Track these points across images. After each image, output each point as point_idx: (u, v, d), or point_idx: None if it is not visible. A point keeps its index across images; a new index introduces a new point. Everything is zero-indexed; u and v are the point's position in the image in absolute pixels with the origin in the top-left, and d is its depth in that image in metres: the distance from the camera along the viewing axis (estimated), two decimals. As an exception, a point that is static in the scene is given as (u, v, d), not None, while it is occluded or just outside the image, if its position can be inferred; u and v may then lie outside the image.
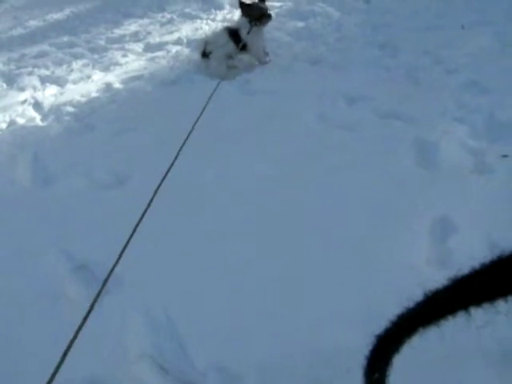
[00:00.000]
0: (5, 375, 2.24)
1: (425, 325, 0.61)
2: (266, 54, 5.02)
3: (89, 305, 2.50)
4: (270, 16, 4.85)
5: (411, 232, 2.57)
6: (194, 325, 2.27)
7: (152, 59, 5.64)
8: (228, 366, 2.07)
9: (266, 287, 2.36)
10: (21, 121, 4.65)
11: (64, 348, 2.10)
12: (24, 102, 5.10)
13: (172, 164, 2.66)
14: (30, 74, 5.92)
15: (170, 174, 3.01)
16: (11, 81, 5.82)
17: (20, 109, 4.92)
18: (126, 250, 2.59)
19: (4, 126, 4.62)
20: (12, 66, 6.38)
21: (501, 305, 0.52)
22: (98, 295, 2.07)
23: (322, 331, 2.12)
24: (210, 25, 6.61)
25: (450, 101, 3.75)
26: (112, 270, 2.22)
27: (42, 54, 6.63)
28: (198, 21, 6.87)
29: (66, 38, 7.10)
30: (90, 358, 2.22)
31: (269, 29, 6.05)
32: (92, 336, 2.27)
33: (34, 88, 5.43)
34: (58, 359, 2.04)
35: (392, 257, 2.42)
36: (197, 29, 6.53)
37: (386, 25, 5.69)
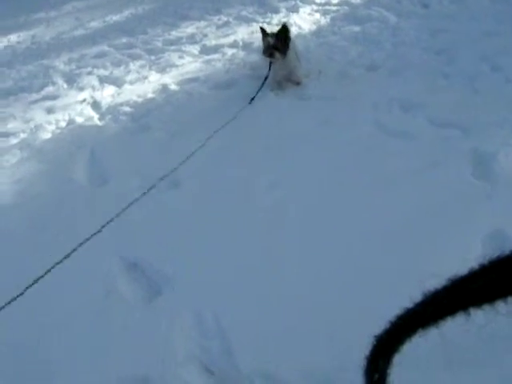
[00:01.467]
0: (61, 373, 2.30)
1: (424, 325, 0.61)
2: (297, 77, 4.72)
3: (141, 304, 2.56)
4: (271, 55, 4.33)
5: (465, 244, 2.50)
6: (243, 329, 2.27)
7: (208, 62, 5.68)
8: (275, 373, 2.07)
9: (318, 295, 2.34)
10: (79, 120, 4.77)
11: (118, 345, 2.16)
12: (83, 101, 5.23)
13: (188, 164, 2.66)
14: (90, 73, 6.08)
15: (225, 179, 3.03)
16: (71, 80, 5.99)
17: (79, 108, 5.06)
18: (179, 252, 2.63)
19: (63, 124, 4.75)
20: (72, 66, 6.56)
21: (501, 306, 0.52)
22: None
23: (369, 342, 2.08)
24: (266, 28, 6.61)
25: (509, 111, 3.63)
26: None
27: (101, 55, 6.79)
28: (254, 24, 6.87)
29: (124, 40, 7.24)
30: (140, 356, 2.26)
31: (325, 33, 6.03)
32: (142, 335, 2.33)
33: (93, 88, 5.57)
34: (109, 355, 2.10)
35: (443, 269, 2.34)
36: (253, 32, 6.53)
37: (443, 30, 5.54)
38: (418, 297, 0.62)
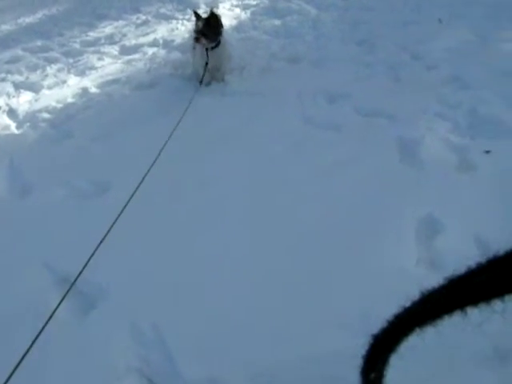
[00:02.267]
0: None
1: (421, 324, 0.61)
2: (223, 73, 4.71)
3: (73, 318, 2.45)
4: (196, 39, 4.32)
5: (398, 233, 2.55)
6: (182, 336, 2.21)
7: (128, 62, 5.55)
8: (219, 377, 2.03)
9: (258, 294, 2.32)
10: (-5, 129, 4.54)
11: (50, 359, 2.06)
12: (-2, 109, 4.98)
13: (148, 171, 2.60)
14: (3, 80, 5.79)
15: (151, 181, 2.95)
16: (-16, 88, 5.69)
17: (-6, 116, 4.81)
18: (111, 263, 2.54)
19: (-22, 134, 4.51)
20: (-16, 73, 6.24)
21: (497, 304, 0.52)
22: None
23: (314, 337, 2.09)
24: (186, 25, 6.53)
25: (431, 97, 3.75)
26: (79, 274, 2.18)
27: (15, 59, 6.49)
28: (174, 21, 6.79)
29: (39, 42, 6.96)
30: (78, 376, 2.16)
31: (245, 28, 6.03)
32: (79, 354, 2.23)
33: (8, 95, 5.30)
34: (43, 374, 2.00)
35: (381, 259, 2.40)
36: (173, 29, 6.45)
37: (363, 21, 5.68)
38: (415, 295, 0.62)
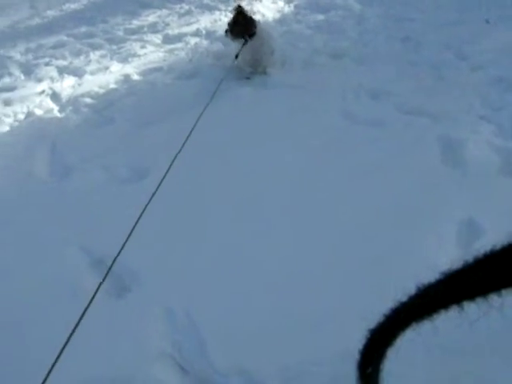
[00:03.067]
0: (24, 371, 2.21)
1: (418, 319, 0.61)
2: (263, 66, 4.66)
3: (108, 300, 2.48)
4: (225, 32, 4.54)
5: (437, 234, 2.51)
6: (216, 326, 2.22)
7: (171, 51, 5.57)
8: (250, 370, 2.03)
9: (293, 288, 2.31)
10: (38, 112, 4.61)
11: (84, 341, 2.08)
12: (42, 92, 5.05)
13: (174, 158, 2.60)
14: (48, 64, 5.88)
15: (188, 169, 2.96)
16: (29, 71, 5.78)
17: (38, 100, 4.88)
18: (148, 247, 2.56)
19: (22, 116, 4.59)
20: (30, 57, 6.33)
21: (494, 299, 0.52)
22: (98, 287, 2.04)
23: (346, 334, 2.06)
24: (229, 16, 6.51)
25: (475, 98, 3.67)
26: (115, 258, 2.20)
27: (59, 45, 6.58)
28: (217, 12, 6.79)
29: (83, 29, 7.04)
30: (108, 356, 2.19)
31: (288, 21, 5.99)
32: (111, 334, 2.25)
33: (52, 79, 5.39)
34: (76, 352, 2.02)
35: (419, 260, 2.35)
36: (215, 20, 6.45)
37: (408, 18, 5.58)
38: (411, 290, 0.62)
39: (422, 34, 5.03)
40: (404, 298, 0.63)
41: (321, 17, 6.09)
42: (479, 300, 0.53)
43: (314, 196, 2.88)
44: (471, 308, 0.54)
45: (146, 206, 2.35)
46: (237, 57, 4.34)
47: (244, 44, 4.36)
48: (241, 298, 2.32)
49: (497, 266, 0.51)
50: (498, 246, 0.51)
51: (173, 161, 2.67)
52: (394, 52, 4.73)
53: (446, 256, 2.37)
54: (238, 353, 2.09)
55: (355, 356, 2.05)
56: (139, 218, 2.30)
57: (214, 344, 2.16)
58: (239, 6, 4.44)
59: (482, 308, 0.52)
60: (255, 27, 4.41)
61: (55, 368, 2.17)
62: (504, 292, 0.50)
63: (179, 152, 2.76)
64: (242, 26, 4.38)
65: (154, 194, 2.42)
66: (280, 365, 2.02)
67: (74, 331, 1.66)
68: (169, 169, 2.58)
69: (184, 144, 2.82)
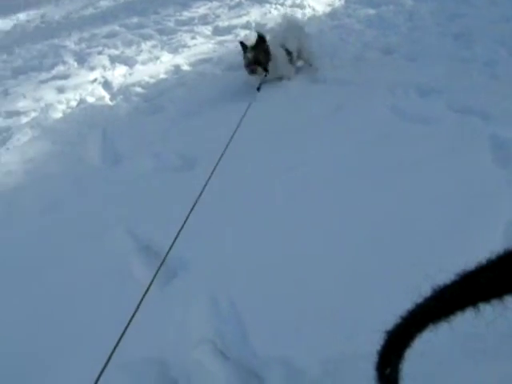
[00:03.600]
0: (67, 350, 2.27)
1: (434, 320, 0.61)
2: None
3: (154, 286, 2.52)
4: (252, 71, 4.12)
5: (484, 235, 2.45)
6: (259, 315, 2.23)
7: (220, 43, 5.61)
8: (290, 358, 2.03)
9: (339, 281, 2.30)
10: (90, 99, 4.73)
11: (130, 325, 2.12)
12: (94, 81, 5.18)
13: (226, 147, 2.61)
14: (100, 53, 6.02)
15: (237, 160, 2.98)
16: (82, 60, 5.94)
17: (90, 88, 5.01)
18: (195, 236, 2.59)
19: (74, 103, 4.72)
20: (83, 46, 6.51)
21: (510, 301, 0.52)
22: (155, 276, 2.07)
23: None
24: (279, 9, 6.52)
25: (530, 96, 3.56)
26: (170, 249, 2.22)
27: (112, 34, 6.72)
28: (267, 5, 6.79)
29: (135, 19, 7.17)
30: (154, 339, 2.23)
31: (339, 15, 5.94)
32: (156, 318, 2.29)
33: (104, 67, 5.52)
34: (124, 336, 2.06)
35: (464, 260, 2.29)
36: (265, 13, 6.45)
37: (461, 14, 5.46)
38: (427, 292, 0.62)
39: (475, 31, 4.91)
40: (420, 300, 0.63)
41: (372, 11, 6.02)
42: (494, 301, 0.53)
43: (361, 190, 2.86)
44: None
45: (200, 195, 2.37)
46: (259, 89, 4.15)
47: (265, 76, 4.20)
48: (285, 289, 2.32)
49: (510, 267, 0.51)
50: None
51: (224, 150, 2.68)
52: (445, 49, 4.64)
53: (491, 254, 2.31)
54: (279, 342, 2.10)
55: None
56: (193, 208, 2.32)
57: (257, 332, 2.17)
58: (260, 35, 4.15)
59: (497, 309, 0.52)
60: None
61: (102, 349, 2.23)
62: None
63: (230, 141, 2.77)
64: (266, 53, 4.14)
65: (206, 183, 2.45)
66: (321, 357, 2.01)
67: (133, 316, 1.69)
68: (220, 157, 2.60)
69: (233, 134, 2.83)
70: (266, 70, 4.12)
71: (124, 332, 1.74)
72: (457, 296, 0.57)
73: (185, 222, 2.27)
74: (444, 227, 2.53)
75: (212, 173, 2.56)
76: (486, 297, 0.53)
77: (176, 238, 2.22)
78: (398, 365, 0.71)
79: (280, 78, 4.36)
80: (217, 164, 2.55)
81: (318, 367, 1.99)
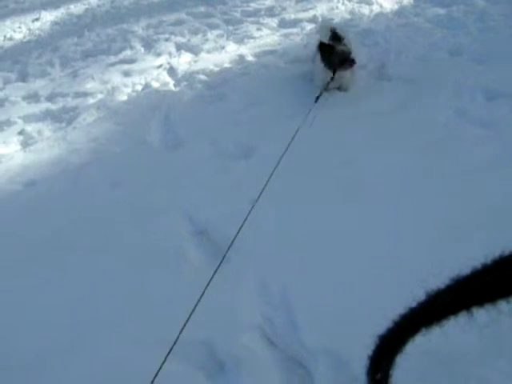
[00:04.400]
0: (116, 325, 2.34)
1: (427, 325, 0.61)
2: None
3: (207, 270, 2.57)
4: (353, 61, 3.79)
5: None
6: (309, 304, 2.25)
7: (286, 35, 5.61)
8: (339, 352, 2.05)
9: (388, 279, 2.28)
10: (155, 84, 4.83)
11: (183, 308, 2.18)
12: (159, 66, 5.28)
13: (292, 140, 2.62)
14: (167, 40, 6.12)
15: (296, 151, 2.98)
16: (149, 46, 6.05)
17: (155, 73, 5.11)
18: (249, 221, 2.61)
19: (139, 87, 4.82)
20: (150, 32, 6.62)
21: (503, 305, 0.51)
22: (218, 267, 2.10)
23: (434, 332, 2.01)
24: (346, 5, 6.44)
25: None
26: (232, 242, 2.25)
27: (179, 22, 6.82)
28: (335, 0, 6.72)
29: (202, 8, 7.24)
30: (203, 320, 2.26)
31: (407, 14, 5.83)
32: (207, 300, 2.33)
33: (170, 54, 5.61)
34: (177, 318, 2.12)
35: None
36: (332, 8, 6.39)
37: (535, 17, 5.26)
38: (421, 296, 0.62)
39: (550, 36, 4.73)
40: (413, 304, 0.63)
41: (441, 11, 5.86)
42: (488, 306, 0.52)
43: (421, 191, 2.83)
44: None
45: (266, 184, 2.40)
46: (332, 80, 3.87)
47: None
48: (336, 281, 2.33)
49: (505, 272, 0.50)
50: (507, 253, 0.51)
51: (290, 143, 2.69)
52: (517, 52, 4.49)
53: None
54: (328, 333, 2.12)
55: (441, 355, 2.00)
56: (259, 197, 2.35)
57: (305, 322, 2.19)
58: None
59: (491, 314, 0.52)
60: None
61: (153, 326, 2.29)
62: None
63: (296, 134, 2.78)
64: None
65: (272, 173, 2.47)
66: (368, 351, 2.00)
67: (199, 300, 1.73)
68: (287, 149, 2.61)
69: (298, 129, 2.83)
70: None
71: (190, 316, 1.78)
72: (450, 300, 0.57)
73: (250, 212, 2.28)
74: (500, 233, 2.46)
75: (278, 162, 2.58)
76: (480, 301, 0.53)
77: (240, 229, 2.24)
78: (390, 370, 0.72)
79: (339, 88, 4.10)
80: (283, 154, 2.55)
81: (365, 361, 1.98)
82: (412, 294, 0.62)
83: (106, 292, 2.53)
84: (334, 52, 3.75)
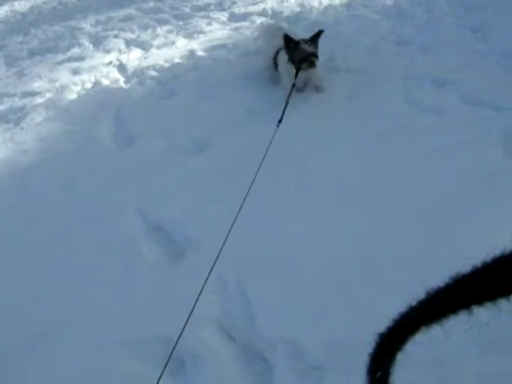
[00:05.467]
0: (76, 327, 2.30)
1: (427, 323, 0.60)
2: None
3: (162, 267, 2.55)
4: (312, 64, 3.70)
5: (496, 228, 2.44)
6: (266, 297, 2.27)
7: (236, 29, 5.60)
8: (297, 341, 2.06)
9: (343, 268, 2.32)
10: (105, 82, 4.76)
11: (138, 306, 2.16)
12: (109, 63, 5.21)
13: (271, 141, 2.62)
14: (116, 36, 6.04)
15: (251, 145, 2.99)
16: (98, 42, 5.96)
17: (105, 70, 5.03)
18: (205, 216, 2.61)
19: (89, 85, 4.74)
20: (99, 29, 6.52)
21: (504, 304, 0.51)
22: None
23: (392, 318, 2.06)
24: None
25: (546, 90, 3.53)
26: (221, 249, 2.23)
27: (128, 18, 6.73)
28: (284, -7, 6.76)
29: (151, 4, 7.17)
30: (160, 317, 2.26)
31: (356, 5, 5.90)
32: (164, 297, 2.32)
33: (120, 51, 5.54)
34: (133, 316, 2.10)
35: (469, 252, 2.30)
36: (282, 1, 6.41)
37: (480, 7, 5.39)
38: (420, 295, 0.61)
39: (494, 24, 4.85)
40: (413, 303, 0.63)
41: (389, 2, 5.96)
42: (488, 305, 0.52)
43: (372, 181, 2.87)
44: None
45: (252, 185, 2.38)
46: (294, 86, 3.73)
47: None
48: (291, 273, 2.35)
49: (505, 271, 0.50)
50: (508, 251, 0.50)
51: (270, 142, 2.68)
52: (462, 41, 4.59)
53: (498, 249, 2.32)
54: (285, 324, 2.13)
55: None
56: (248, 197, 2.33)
57: (263, 314, 2.20)
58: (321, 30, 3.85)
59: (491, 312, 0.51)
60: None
61: (109, 325, 2.27)
62: None
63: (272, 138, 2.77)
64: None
65: (258, 170, 2.46)
66: (327, 339, 2.04)
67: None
68: (269, 155, 2.60)
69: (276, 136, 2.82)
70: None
71: (189, 316, 1.75)
72: (450, 299, 0.56)
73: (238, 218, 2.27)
74: (451, 218, 2.53)
75: (262, 162, 2.57)
76: (480, 300, 0.53)
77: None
78: (390, 368, 0.70)
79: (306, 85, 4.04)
80: (266, 152, 2.55)
81: (323, 349, 2.01)
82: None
83: (58, 291, 2.49)
84: (298, 48, 3.68)
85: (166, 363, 1.81)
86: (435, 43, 4.60)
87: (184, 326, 1.90)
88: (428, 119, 3.39)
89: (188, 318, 1.94)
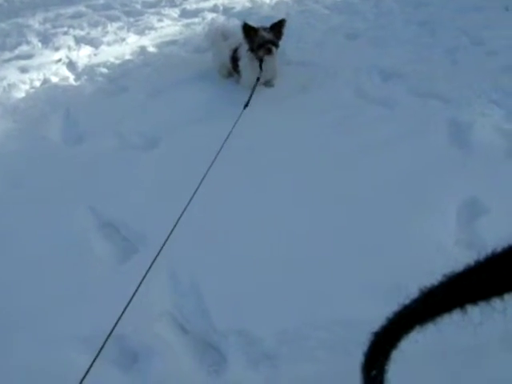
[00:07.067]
0: (26, 325, 2.27)
1: (421, 322, 0.61)
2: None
3: (114, 263, 2.54)
4: (269, 51, 3.70)
5: (441, 212, 2.54)
6: (217, 288, 2.28)
7: (187, 25, 5.60)
8: (249, 331, 2.08)
9: (293, 257, 2.36)
10: (54, 79, 4.68)
11: (91, 302, 2.15)
12: (58, 61, 5.12)
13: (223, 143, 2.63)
14: (65, 33, 5.94)
15: (200, 140, 3.00)
16: (46, 40, 5.84)
17: (54, 67, 4.95)
18: (156, 212, 2.61)
19: (38, 83, 4.65)
20: (48, 26, 6.39)
21: (497, 302, 0.52)
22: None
23: (345, 303, 2.12)
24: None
25: (488, 83, 3.66)
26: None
27: (77, 15, 6.64)
28: (235, -11, 6.78)
29: (102, 1, 7.09)
30: (113, 313, 2.24)
31: (306, 1, 5.97)
32: (116, 293, 2.31)
33: (69, 48, 5.45)
34: (81, 310, 2.09)
35: (421, 235, 2.40)
36: (233, -4, 6.44)
37: (427, 3, 5.57)
38: (414, 293, 0.62)
39: (440, 19, 5.01)
40: (407, 302, 0.63)
41: (339, -3, 6.07)
42: (482, 304, 0.53)
43: (323, 172, 2.91)
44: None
45: (201, 182, 2.37)
46: (259, 79, 3.80)
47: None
48: (242, 266, 2.37)
49: (498, 269, 0.51)
50: (499, 249, 0.51)
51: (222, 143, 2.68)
52: (409, 35, 4.73)
53: (448, 232, 2.41)
54: (237, 315, 2.15)
55: (349, 326, 2.09)
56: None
57: (215, 306, 2.21)
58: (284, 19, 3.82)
59: (485, 311, 0.52)
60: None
61: (60, 322, 2.25)
62: (506, 296, 0.51)
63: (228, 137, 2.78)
64: (280, 34, 3.82)
65: (209, 167, 2.45)
66: (278, 328, 2.07)
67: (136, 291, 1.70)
68: (222, 148, 2.60)
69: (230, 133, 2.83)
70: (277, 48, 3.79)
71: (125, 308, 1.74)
72: (444, 298, 0.57)
73: (184, 214, 2.27)
74: (403, 205, 2.61)
75: (214, 160, 2.57)
76: (474, 299, 0.53)
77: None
78: (385, 366, 0.71)
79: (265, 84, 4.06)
80: (221, 149, 2.55)
81: (275, 337, 2.04)
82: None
83: (8, 289, 2.44)
84: (257, 35, 3.69)
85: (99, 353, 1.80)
86: (384, 37, 4.73)
87: (121, 315, 1.88)
88: (377, 110, 3.49)
89: (125, 308, 1.92)
